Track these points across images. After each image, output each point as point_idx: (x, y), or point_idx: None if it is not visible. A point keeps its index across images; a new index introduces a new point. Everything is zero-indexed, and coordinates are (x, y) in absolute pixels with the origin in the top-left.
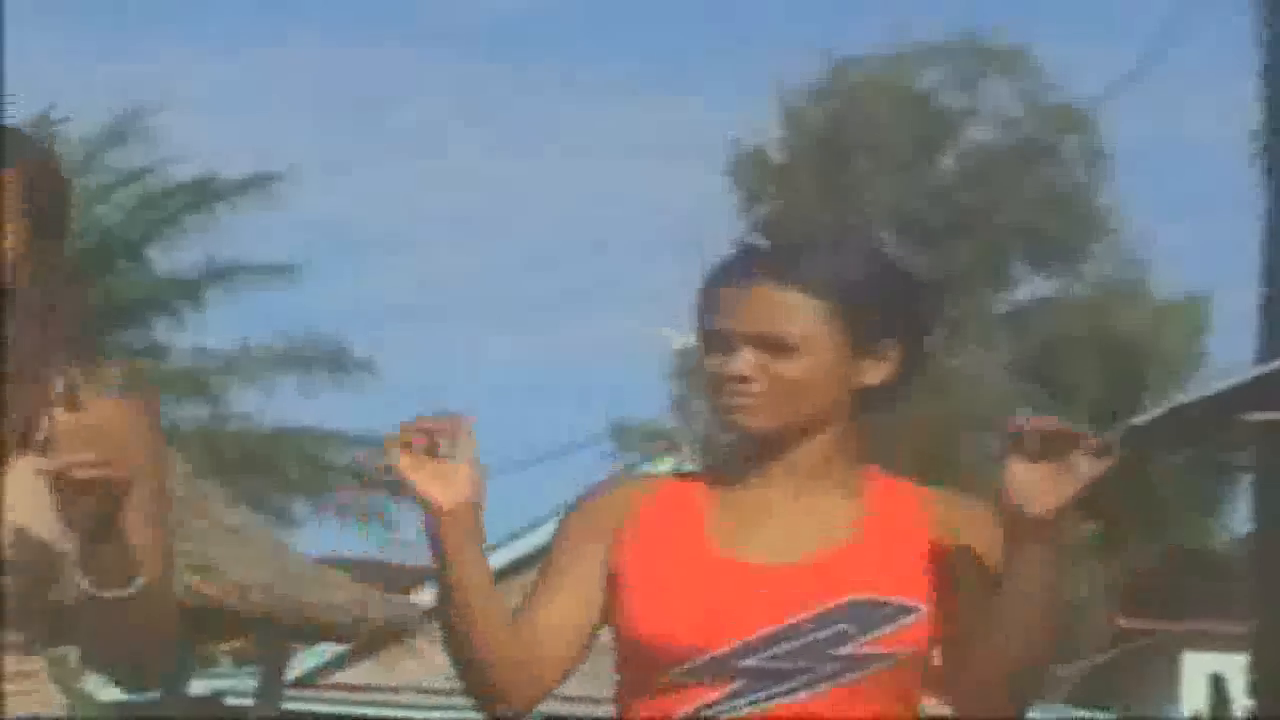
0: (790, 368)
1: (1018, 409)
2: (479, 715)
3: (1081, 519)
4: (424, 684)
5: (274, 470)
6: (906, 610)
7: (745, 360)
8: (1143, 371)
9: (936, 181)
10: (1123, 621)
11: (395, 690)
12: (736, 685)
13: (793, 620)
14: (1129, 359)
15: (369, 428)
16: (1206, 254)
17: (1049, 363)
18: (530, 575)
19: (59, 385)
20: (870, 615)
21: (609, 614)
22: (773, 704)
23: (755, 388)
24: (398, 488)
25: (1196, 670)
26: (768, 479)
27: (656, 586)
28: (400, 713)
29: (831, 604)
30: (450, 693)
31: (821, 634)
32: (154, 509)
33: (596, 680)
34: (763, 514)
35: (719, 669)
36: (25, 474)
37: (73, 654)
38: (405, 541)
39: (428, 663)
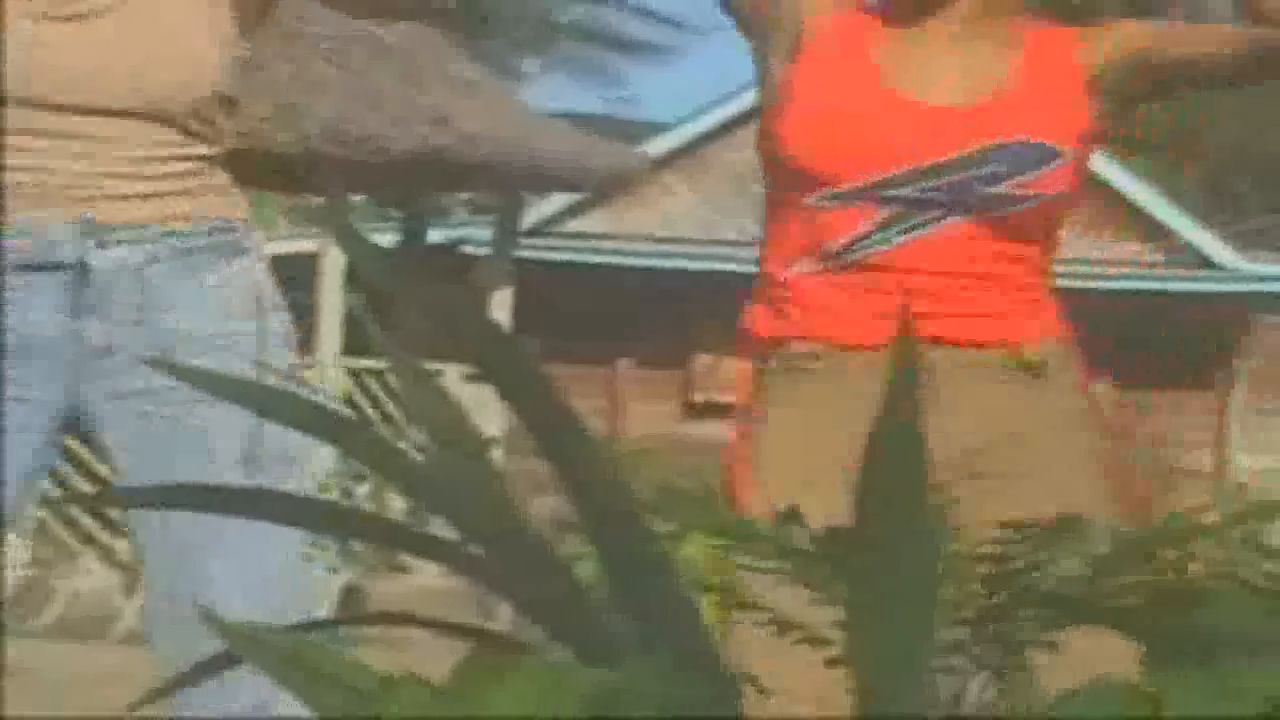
0: None
1: None
2: (701, 263)
3: None
4: (651, 232)
5: (504, 28)
6: (1055, 154)
7: None
8: None
9: None
10: None
11: (623, 238)
12: (886, 214)
13: (948, 156)
14: None
15: None
16: None
17: None
18: (748, 130)
19: None
20: (1022, 157)
21: (762, 131)
22: (919, 233)
23: None
24: (625, 45)
25: None
26: (927, 29)
27: (822, 106)
28: (628, 260)
29: (986, 144)
30: (676, 240)
31: (974, 171)
32: None
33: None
34: (925, 58)
35: (871, 195)
36: None
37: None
38: (631, 97)
39: (655, 211)
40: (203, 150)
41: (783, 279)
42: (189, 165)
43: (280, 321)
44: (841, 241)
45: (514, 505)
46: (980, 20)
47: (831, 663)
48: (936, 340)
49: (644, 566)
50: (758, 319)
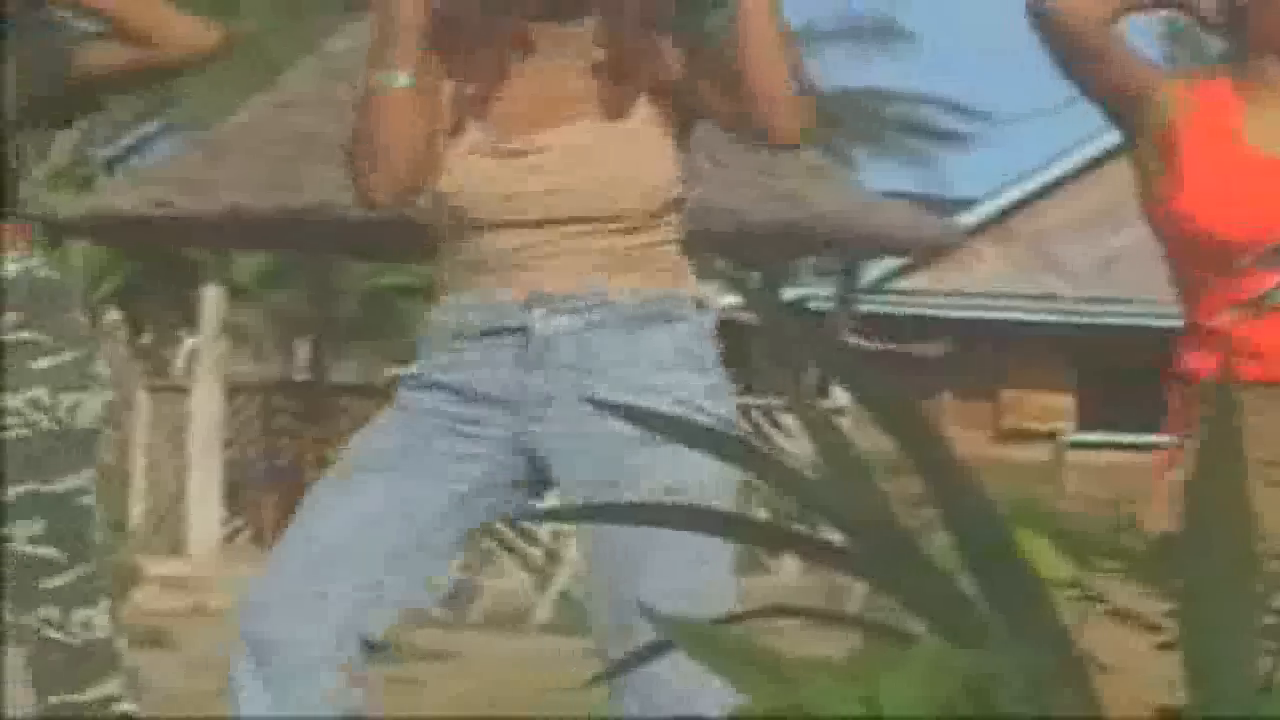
0: None
1: None
2: (1006, 314)
3: None
4: (966, 289)
5: (839, 123)
6: None
7: None
8: None
9: None
10: None
11: (942, 294)
12: None
13: None
14: None
15: (912, 86)
16: None
17: None
18: (1045, 203)
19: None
20: None
21: (1149, 204)
22: None
23: None
24: (939, 134)
25: None
26: (1274, 87)
27: (1214, 190)
28: (946, 311)
29: None
30: (985, 295)
31: None
32: None
33: None
34: (1276, 121)
35: (1274, 256)
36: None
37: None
38: (946, 178)
39: (967, 271)
40: (647, 239)
41: (1213, 328)
42: (633, 250)
43: (715, 376)
44: (1262, 292)
45: (894, 514)
46: None
47: (1164, 646)
48: None
49: (1004, 561)
50: (1195, 361)
